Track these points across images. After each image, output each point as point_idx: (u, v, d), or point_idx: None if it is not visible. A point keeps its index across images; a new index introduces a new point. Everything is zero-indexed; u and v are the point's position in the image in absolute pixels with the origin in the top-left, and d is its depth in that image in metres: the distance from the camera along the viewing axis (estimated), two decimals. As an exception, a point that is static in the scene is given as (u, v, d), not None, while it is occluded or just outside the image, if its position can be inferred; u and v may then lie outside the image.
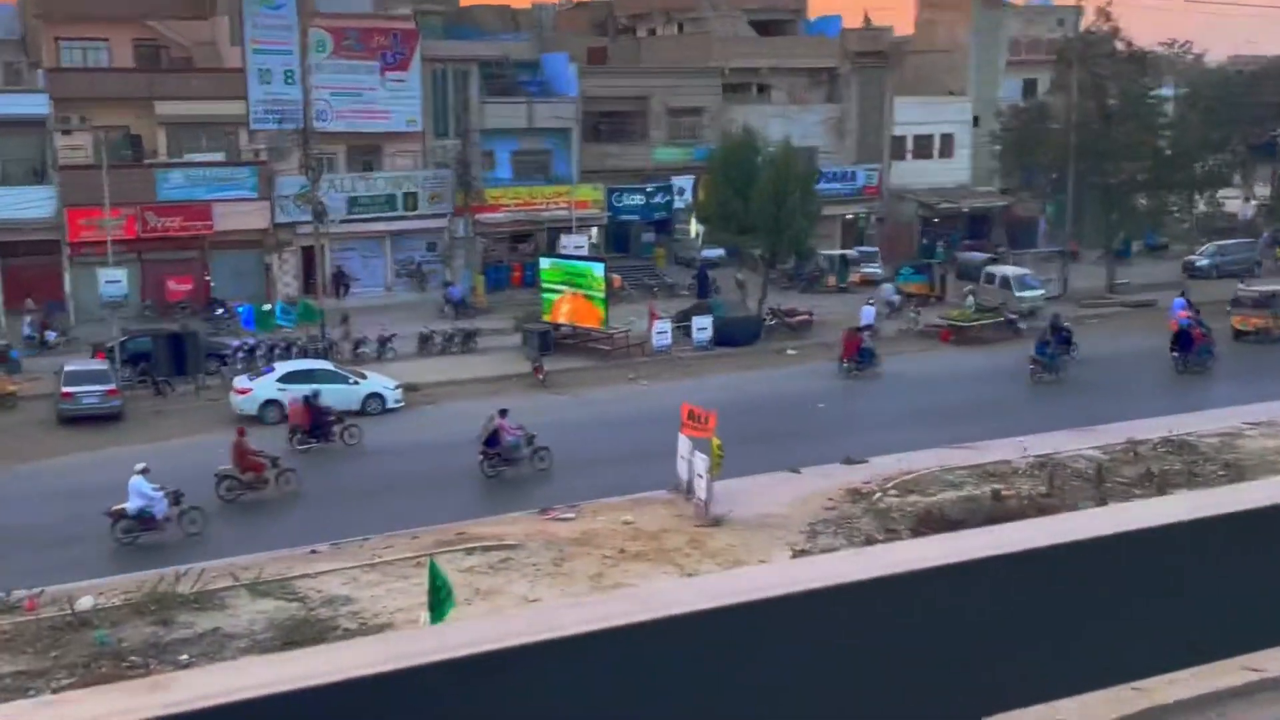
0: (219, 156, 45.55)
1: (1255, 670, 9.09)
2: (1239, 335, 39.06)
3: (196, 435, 29.37)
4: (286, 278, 45.72)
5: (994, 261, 47.31)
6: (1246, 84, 60.70)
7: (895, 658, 1.08)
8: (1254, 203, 63.22)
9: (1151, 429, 27.38)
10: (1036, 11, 61.60)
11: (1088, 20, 50.17)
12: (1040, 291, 44.60)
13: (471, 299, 45.45)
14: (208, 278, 44.41)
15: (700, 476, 22.33)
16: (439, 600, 15.50)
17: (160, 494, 21.95)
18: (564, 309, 39.18)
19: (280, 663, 0.89)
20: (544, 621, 0.94)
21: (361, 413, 30.76)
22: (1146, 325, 40.29)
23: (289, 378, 31.21)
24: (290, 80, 44.97)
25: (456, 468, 25.84)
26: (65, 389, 30.83)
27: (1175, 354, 35.32)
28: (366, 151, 47.82)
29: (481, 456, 25.52)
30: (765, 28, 57.57)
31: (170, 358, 34.67)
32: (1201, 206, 55.38)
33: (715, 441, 22.54)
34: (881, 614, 1.06)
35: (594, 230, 49.50)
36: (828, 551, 17.16)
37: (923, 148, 57.60)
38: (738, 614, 0.99)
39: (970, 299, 44.05)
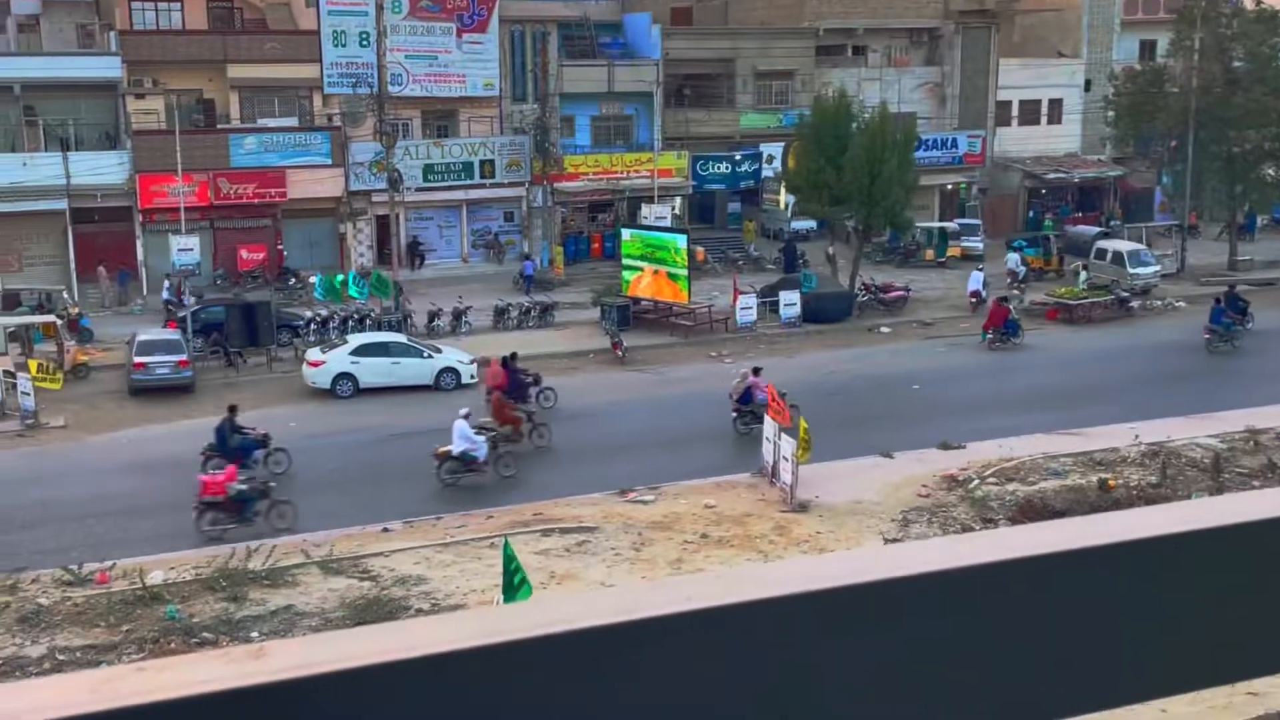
0: (292, 122, 44.61)
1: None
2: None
3: (270, 407, 28.66)
4: (361, 248, 44.68)
5: (1106, 236, 45.53)
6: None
7: (998, 649, 1.04)
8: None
9: (1272, 417, 25.53)
10: (1155, -33, 58.40)
11: (1212, -24, 47.20)
12: (1156, 268, 42.70)
13: (549, 272, 44.03)
14: (280, 247, 43.47)
15: (786, 460, 21.60)
16: (513, 582, 15.35)
17: (481, 438, 23.17)
18: (643, 284, 37.76)
19: (384, 633, 0.90)
20: (629, 601, 0.94)
21: (436, 387, 30.40)
22: (1270, 304, 37.52)
23: (362, 350, 30.83)
24: (365, 43, 43.69)
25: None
26: (137, 359, 30.38)
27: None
28: (442, 117, 46.72)
29: (735, 414, 25.99)
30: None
31: (242, 328, 34.15)
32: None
33: (803, 424, 21.92)
34: (992, 603, 1.03)
35: (677, 200, 47.84)
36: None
37: (1029, 113, 55.14)
38: (828, 599, 0.97)
39: (1083, 274, 41.56)
